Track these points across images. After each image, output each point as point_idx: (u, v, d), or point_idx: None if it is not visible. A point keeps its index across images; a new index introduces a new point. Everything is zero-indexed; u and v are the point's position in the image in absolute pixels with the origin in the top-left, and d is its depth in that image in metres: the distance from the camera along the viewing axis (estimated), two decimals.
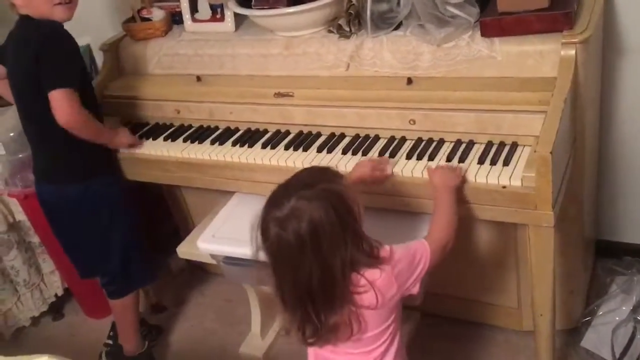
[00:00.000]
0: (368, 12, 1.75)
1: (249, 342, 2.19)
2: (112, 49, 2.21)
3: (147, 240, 2.13)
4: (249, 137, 1.89)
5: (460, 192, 1.49)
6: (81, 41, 2.51)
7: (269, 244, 1.19)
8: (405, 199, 1.60)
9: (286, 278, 1.20)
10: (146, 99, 2.10)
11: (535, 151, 1.39)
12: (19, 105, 1.86)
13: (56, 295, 2.55)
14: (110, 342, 2.22)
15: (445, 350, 2.02)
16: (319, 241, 1.15)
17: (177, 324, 2.41)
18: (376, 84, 1.75)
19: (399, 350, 1.35)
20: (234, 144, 1.88)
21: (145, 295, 2.39)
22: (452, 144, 1.64)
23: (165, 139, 2.00)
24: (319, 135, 1.83)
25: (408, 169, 1.58)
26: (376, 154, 1.67)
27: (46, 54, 1.68)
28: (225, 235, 1.83)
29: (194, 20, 2.14)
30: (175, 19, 2.21)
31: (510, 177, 1.46)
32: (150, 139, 2.02)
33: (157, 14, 2.16)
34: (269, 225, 1.18)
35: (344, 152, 1.72)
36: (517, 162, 1.51)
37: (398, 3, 1.76)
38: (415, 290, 1.31)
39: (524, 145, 1.56)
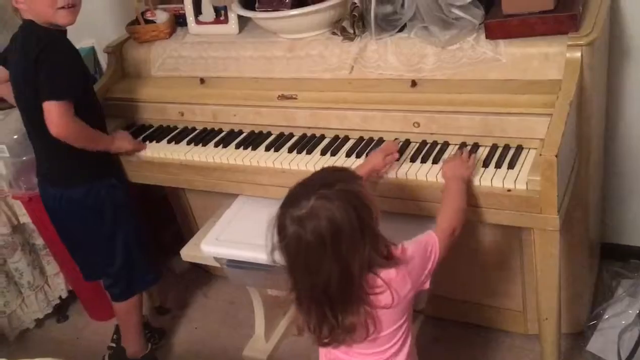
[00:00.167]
0: (372, 14, 1.75)
1: (252, 345, 2.18)
2: (116, 51, 2.21)
3: (151, 242, 2.13)
4: (253, 140, 1.89)
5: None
6: (86, 43, 2.54)
7: (286, 242, 1.18)
8: (409, 201, 1.59)
9: (303, 278, 1.20)
10: (150, 101, 2.10)
11: (540, 154, 1.38)
12: (21, 109, 1.86)
13: (60, 297, 2.55)
14: (114, 345, 2.22)
15: (449, 354, 2.01)
16: (338, 241, 1.14)
17: (181, 326, 2.41)
18: (380, 86, 1.74)
19: (411, 351, 1.35)
20: (237, 146, 1.88)
21: (149, 297, 2.39)
22: (457, 146, 1.63)
23: (169, 142, 2.00)
24: (322, 137, 1.83)
25: (412, 172, 1.58)
26: None
27: (43, 64, 1.69)
28: (229, 238, 1.83)
29: (198, 22, 2.13)
30: (179, 21, 2.21)
31: (515, 181, 1.46)
32: (154, 142, 2.02)
33: (161, 16, 2.16)
34: (287, 224, 1.17)
35: (348, 155, 1.72)
36: (522, 166, 1.50)
37: (402, 5, 1.75)
38: (427, 285, 1.31)
39: (529, 148, 1.55)
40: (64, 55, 1.73)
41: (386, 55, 1.75)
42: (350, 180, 1.22)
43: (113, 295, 2.08)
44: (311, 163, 1.72)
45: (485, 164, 1.53)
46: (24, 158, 2.15)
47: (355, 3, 1.81)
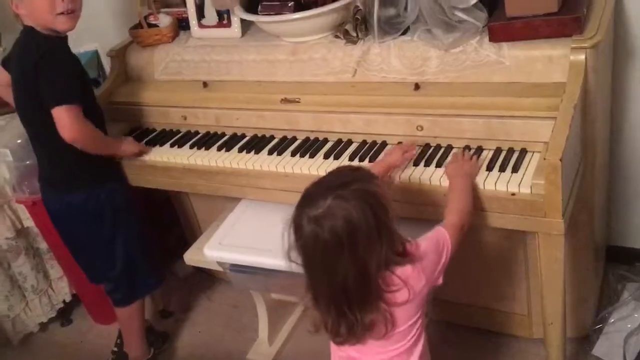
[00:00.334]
0: (375, 17, 1.74)
1: (256, 349, 2.18)
2: (120, 55, 2.22)
3: (154, 245, 2.12)
4: (256, 144, 1.88)
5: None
6: (89, 47, 2.54)
7: (303, 242, 1.18)
8: (412, 205, 1.58)
9: (320, 277, 1.20)
10: (153, 105, 2.10)
11: (544, 158, 1.37)
12: (20, 115, 1.86)
13: (64, 301, 2.55)
14: (117, 349, 2.22)
15: (454, 357, 2.00)
16: (356, 240, 1.15)
17: (184, 329, 2.41)
18: (383, 89, 1.74)
19: (424, 349, 1.35)
20: (240, 150, 1.87)
21: (152, 300, 2.39)
22: (460, 150, 1.62)
23: (171, 146, 2.00)
24: (325, 141, 1.82)
25: (416, 176, 1.57)
26: None
27: (42, 71, 1.69)
28: (232, 242, 1.82)
29: (201, 26, 2.13)
30: (181, 25, 2.21)
31: (519, 184, 1.45)
32: (157, 146, 2.01)
33: (164, 20, 2.17)
34: (303, 223, 1.17)
35: (351, 159, 1.71)
36: (526, 169, 1.49)
37: (405, 8, 1.74)
38: (440, 280, 1.32)
39: (533, 152, 1.54)
40: (62, 62, 1.73)
41: (389, 59, 1.75)
42: (367, 179, 1.23)
43: (115, 301, 2.08)
44: (314, 167, 1.71)
45: (489, 168, 1.52)
46: (28, 162, 2.16)
47: (358, 6, 1.80)
